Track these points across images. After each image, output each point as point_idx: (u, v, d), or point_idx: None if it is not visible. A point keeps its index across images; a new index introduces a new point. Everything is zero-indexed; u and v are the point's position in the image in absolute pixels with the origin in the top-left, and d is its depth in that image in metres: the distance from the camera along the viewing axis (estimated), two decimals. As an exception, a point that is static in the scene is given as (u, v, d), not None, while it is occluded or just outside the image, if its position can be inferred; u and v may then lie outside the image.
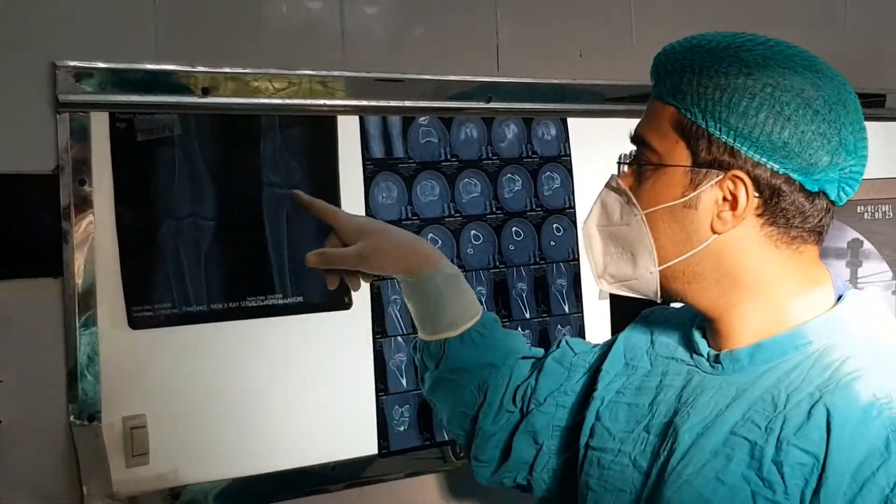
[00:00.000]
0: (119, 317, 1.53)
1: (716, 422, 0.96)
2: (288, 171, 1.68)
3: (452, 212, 1.84)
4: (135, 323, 1.55)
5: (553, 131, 1.95)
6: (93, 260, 1.49)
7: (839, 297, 1.00)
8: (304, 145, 1.70)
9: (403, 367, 1.79)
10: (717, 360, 1.01)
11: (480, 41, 1.85)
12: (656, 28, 2.00)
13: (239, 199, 1.64)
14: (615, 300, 1.99)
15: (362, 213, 1.74)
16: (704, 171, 0.96)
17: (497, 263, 1.89)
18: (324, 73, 1.67)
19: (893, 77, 2.35)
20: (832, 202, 0.98)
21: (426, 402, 1.78)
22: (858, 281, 2.36)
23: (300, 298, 1.68)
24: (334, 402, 1.72)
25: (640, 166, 1.01)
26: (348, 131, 1.73)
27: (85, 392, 1.49)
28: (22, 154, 1.45)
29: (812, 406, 0.90)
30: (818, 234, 0.99)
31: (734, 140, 0.94)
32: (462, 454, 1.80)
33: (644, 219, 1.00)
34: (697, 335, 1.05)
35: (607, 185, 1.06)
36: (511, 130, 1.90)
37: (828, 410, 0.88)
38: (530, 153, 1.92)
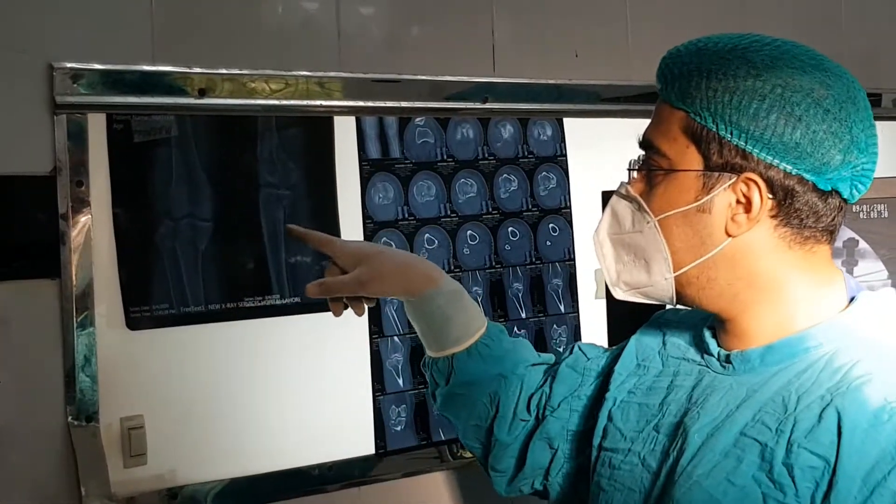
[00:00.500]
0: (117, 317, 1.54)
1: (726, 422, 0.96)
2: (285, 171, 1.68)
3: (449, 212, 1.84)
4: (132, 324, 1.55)
5: (549, 131, 1.95)
6: (90, 261, 1.49)
7: (852, 299, 0.99)
8: (301, 146, 1.70)
9: (400, 367, 1.79)
10: (727, 360, 1.01)
11: (476, 42, 1.85)
12: (652, 28, 2.00)
13: (236, 200, 1.65)
14: (611, 300, 1.99)
15: (359, 213, 1.74)
16: (717, 174, 0.95)
17: (493, 263, 1.89)
18: (320, 73, 1.66)
19: (889, 76, 2.36)
20: (844, 200, 0.97)
21: (423, 402, 1.80)
22: (857, 281, 2.36)
23: (297, 299, 1.68)
24: (331, 403, 1.73)
25: (651, 172, 1.00)
26: (345, 132, 1.73)
27: (83, 393, 1.49)
28: (19, 155, 1.45)
29: (823, 409, 0.89)
30: (830, 234, 0.98)
31: (746, 142, 0.93)
32: (459, 453, 1.81)
33: (657, 225, 0.99)
34: (708, 335, 1.05)
35: (617, 193, 1.04)
36: (507, 131, 1.91)
37: (838, 414, 0.88)
38: (526, 153, 1.92)
